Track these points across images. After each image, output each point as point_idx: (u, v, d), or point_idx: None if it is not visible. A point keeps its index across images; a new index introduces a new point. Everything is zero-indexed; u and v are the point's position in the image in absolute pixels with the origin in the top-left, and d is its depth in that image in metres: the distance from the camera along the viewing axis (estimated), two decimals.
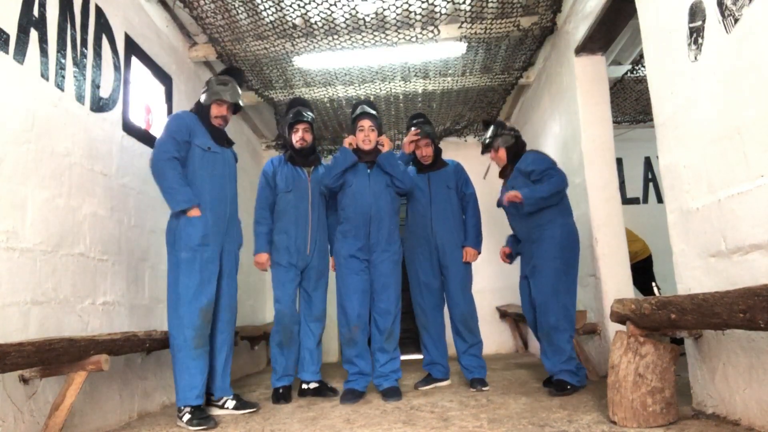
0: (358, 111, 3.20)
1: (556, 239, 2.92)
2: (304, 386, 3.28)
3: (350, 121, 3.31)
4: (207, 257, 2.61)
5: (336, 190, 3.19)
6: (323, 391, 3.25)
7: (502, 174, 3.24)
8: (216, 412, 2.70)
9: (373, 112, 3.20)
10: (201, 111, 2.83)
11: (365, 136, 3.15)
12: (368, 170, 3.17)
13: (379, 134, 3.22)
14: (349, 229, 3.14)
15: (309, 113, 3.34)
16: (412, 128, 3.39)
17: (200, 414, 2.48)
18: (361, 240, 3.11)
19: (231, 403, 2.74)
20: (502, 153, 3.16)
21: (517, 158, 3.13)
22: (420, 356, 5.84)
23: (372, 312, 3.13)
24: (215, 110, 2.80)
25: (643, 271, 4.92)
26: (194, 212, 2.60)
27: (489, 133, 3.22)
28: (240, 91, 2.91)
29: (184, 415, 2.49)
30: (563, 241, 2.93)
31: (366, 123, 3.16)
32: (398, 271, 3.17)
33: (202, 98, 2.83)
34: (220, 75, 2.93)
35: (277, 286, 3.22)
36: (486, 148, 3.25)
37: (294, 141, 3.28)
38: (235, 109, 2.92)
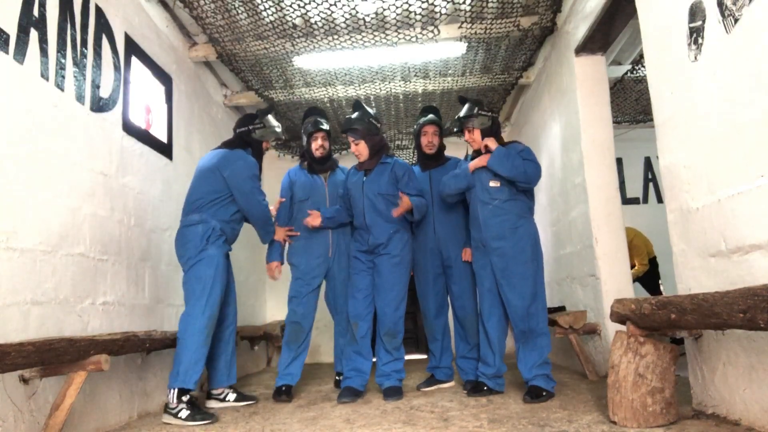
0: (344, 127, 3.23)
1: (531, 238, 2.87)
2: (338, 378, 3.49)
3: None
4: (225, 253, 2.88)
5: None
6: None
7: (475, 157, 3.03)
8: (216, 405, 2.82)
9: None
10: (253, 145, 3.07)
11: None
12: (363, 178, 3.19)
13: (367, 138, 3.15)
14: (355, 234, 3.26)
15: (326, 121, 3.47)
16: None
17: (199, 410, 2.54)
18: (364, 244, 3.16)
19: (231, 396, 2.87)
20: (477, 134, 2.96)
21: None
22: (419, 356, 5.85)
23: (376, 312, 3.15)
24: (266, 145, 3.16)
25: (650, 271, 4.96)
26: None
27: (464, 111, 3.00)
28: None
29: (180, 411, 2.50)
30: (536, 238, 2.89)
31: (350, 139, 3.18)
32: (399, 272, 3.10)
33: (257, 134, 3.06)
34: (266, 114, 3.14)
35: (297, 288, 3.31)
36: (460, 127, 3.00)
37: (314, 149, 3.39)
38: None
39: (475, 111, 2.96)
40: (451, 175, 3.08)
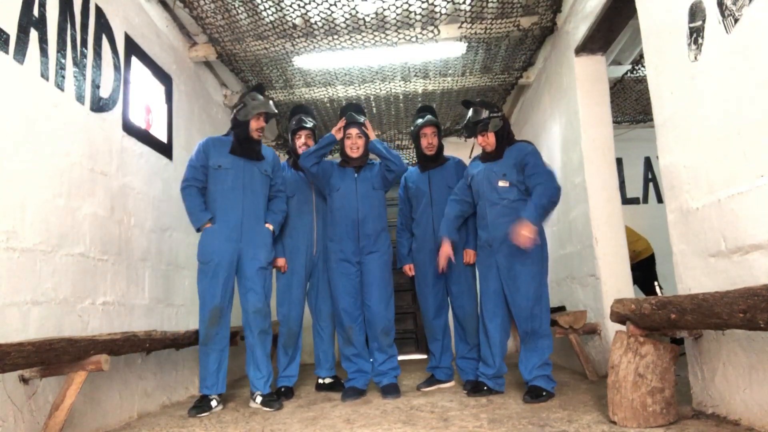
0: (346, 119, 3.20)
1: (539, 239, 2.83)
2: (320, 381, 3.44)
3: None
4: (216, 265, 2.85)
5: (316, 177, 3.20)
6: (337, 386, 3.36)
7: (486, 158, 3.00)
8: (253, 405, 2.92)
9: (361, 119, 3.19)
10: (238, 127, 3.00)
11: (353, 143, 3.19)
12: (355, 175, 3.22)
13: (366, 139, 3.23)
14: (338, 233, 3.19)
15: (310, 120, 3.47)
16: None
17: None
18: (351, 243, 3.15)
19: (259, 399, 2.90)
20: (492, 137, 2.92)
21: (504, 142, 2.95)
22: (419, 356, 5.85)
23: (365, 312, 3.16)
24: (255, 124, 3.00)
25: (645, 270, 4.91)
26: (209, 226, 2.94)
27: (474, 115, 2.95)
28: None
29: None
30: (543, 240, 2.87)
31: (353, 131, 3.19)
32: (388, 270, 3.19)
33: (240, 115, 2.98)
34: (250, 92, 3.07)
35: (283, 290, 3.31)
36: (473, 133, 2.97)
37: (297, 147, 3.40)
38: (267, 117, 3.08)
39: (489, 115, 2.93)
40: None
